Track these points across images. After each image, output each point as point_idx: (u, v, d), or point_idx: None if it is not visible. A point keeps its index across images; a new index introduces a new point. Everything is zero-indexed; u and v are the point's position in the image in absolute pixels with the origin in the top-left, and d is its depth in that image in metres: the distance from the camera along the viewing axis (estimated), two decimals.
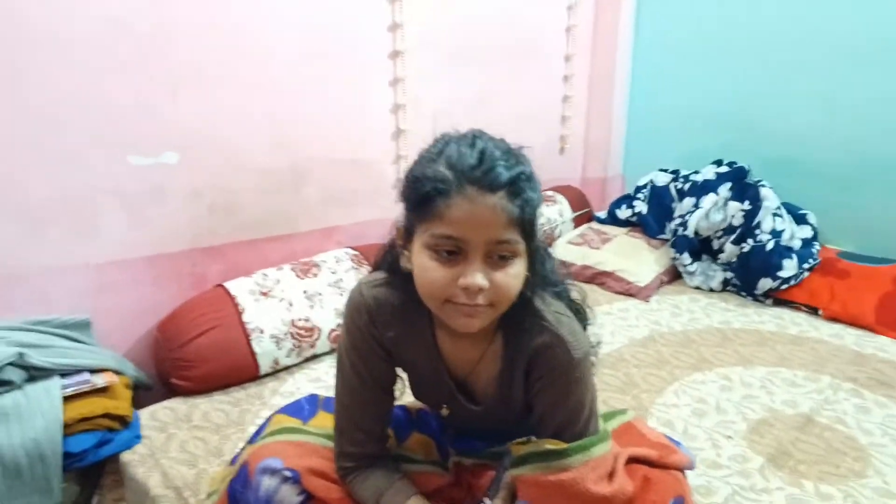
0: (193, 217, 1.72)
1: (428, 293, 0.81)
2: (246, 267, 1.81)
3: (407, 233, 0.83)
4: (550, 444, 0.84)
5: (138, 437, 1.36)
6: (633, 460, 0.92)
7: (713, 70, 2.63)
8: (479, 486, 1.00)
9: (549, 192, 2.74)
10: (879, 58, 2.19)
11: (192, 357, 1.54)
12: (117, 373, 1.42)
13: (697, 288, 2.32)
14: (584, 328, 0.94)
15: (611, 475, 0.85)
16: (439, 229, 0.76)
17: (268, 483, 0.89)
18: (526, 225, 0.78)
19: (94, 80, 1.47)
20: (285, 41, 1.80)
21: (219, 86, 1.69)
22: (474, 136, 0.79)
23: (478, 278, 0.76)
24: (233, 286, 1.69)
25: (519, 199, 0.76)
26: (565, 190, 2.84)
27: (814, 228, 2.36)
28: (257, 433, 1.06)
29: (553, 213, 2.66)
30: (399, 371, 0.99)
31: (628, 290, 2.24)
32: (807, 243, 2.27)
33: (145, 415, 1.45)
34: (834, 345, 1.86)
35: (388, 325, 0.91)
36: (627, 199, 2.67)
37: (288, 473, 0.90)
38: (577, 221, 2.76)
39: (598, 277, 2.31)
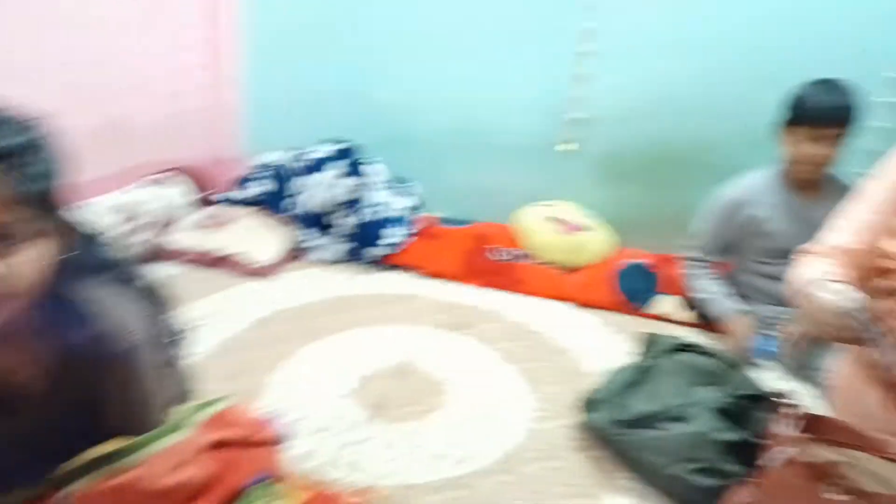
0: None
1: None
2: None
3: None
4: (110, 447, 0.79)
5: None
6: (218, 445, 0.91)
7: (331, 52, 2.74)
8: None
9: (170, 173, 2.55)
10: (463, 44, 2.58)
11: None
12: None
13: (319, 261, 2.43)
14: (161, 314, 0.90)
15: (180, 466, 0.83)
16: None
17: None
18: (34, 203, 0.71)
19: None
20: None
21: None
22: None
23: None
24: None
25: (17, 173, 0.68)
26: (187, 170, 2.67)
27: (418, 198, 2.68)
28: None
29: (174, 196, 2.48)
30: None
31: (252, 271, 2.23)
32: (410, 212, 2.57)
33: None
34: (431, 298, 2.16)
35: None
36: (251, 179, 2.64)
37: None
38: (200, 204, 2.62)
39: (220, 262, 2.24)
